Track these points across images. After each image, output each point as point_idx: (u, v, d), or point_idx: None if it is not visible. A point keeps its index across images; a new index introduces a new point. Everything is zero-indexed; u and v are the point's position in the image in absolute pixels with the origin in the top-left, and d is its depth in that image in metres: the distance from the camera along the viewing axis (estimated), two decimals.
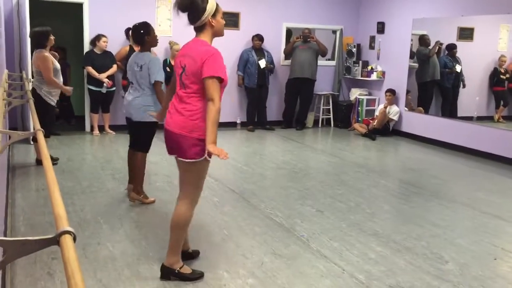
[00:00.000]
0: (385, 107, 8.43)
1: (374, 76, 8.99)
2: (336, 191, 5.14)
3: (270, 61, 8.53)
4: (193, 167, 2.91)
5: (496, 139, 6.89)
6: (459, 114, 8.10)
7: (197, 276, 3.09)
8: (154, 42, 4.29)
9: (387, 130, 8.47)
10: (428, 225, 4.23)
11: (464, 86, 8.14)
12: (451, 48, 8.10)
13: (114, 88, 7.64)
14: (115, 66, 7.56)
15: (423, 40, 8.32)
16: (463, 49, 8.07)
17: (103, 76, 7.34)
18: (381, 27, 8.94)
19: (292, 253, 3.54)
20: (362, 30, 9.41)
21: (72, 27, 8.25)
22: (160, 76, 4.18)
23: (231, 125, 8.83)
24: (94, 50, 7.46)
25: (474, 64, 8.11)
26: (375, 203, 4.82)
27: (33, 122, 2.78)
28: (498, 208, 4.78)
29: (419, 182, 5.67)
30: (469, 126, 7.46)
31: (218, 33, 2.94)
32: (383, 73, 8.96)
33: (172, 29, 8.13)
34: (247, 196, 4.90)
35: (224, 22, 2.96)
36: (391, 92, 8.45)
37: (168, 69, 7.92)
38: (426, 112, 8.35)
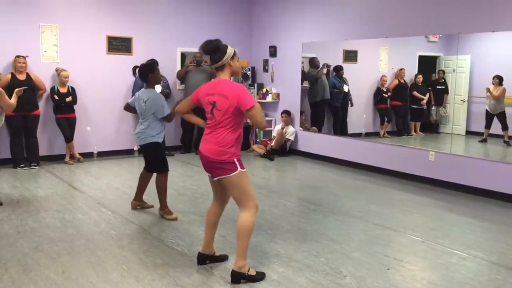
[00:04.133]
0: (282, 128, 8.69)
1: (269, 98, 9.25)
2: (238, 214, 5.13)
3: (166, 86, 8.43)
4: (231, 180, 3.41)
5: (382, 153, 7.39)
6: (349, 132, 8.59)
7: (261, 276, 3.54)
8: (157, 79, 4.98)
9: (284, 150, 8.73)
10: (326, 241, 4.38)
11: (352, 105, 8.67)
12: (338, 69, 8.61)
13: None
14: None
15: (312, 62, 8.77)
16: (349, 70, 8.61)
17: None
18: (273, 51, 9.26)
19: (195, 283, 3.46)
20: (256, 54, 9.68)
21: None
22: (166, 110, 4.81)
23: (128, 152, 8.55)
24: None
25: (360, 84, 8.68)
26: (276, 223, 4.90)
27: None
28: (388, 219, 5.09)
29: (316, 199, 5.88)
30: (359, 143, 7.93)
31: (235, 73, 3.58)
32: (278, 95, 9.26)
33: (59, 55, 7.73)
34: (147, 226, 4.73)
35: (239, 64, 3.61)
36: (286, 113, 8.75)
37: (56, 97, 7.52)
38: (320, 131, 8.75)
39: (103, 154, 8.32)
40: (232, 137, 3.41)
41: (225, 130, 3.39)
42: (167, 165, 5.07)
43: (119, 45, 8.28)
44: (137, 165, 7.73)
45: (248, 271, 3.48)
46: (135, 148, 8.54)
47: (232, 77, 3.61)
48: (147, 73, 4.85)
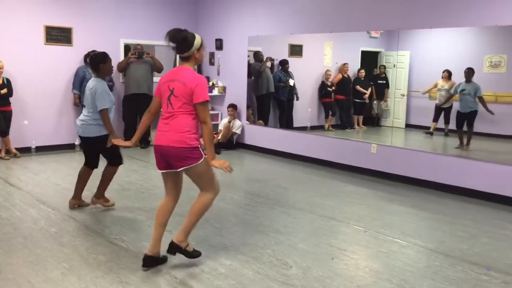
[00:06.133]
0: (228, 122, 8.68)
1: (215, 92, 9.19)
2: (185, 208, 5.05)
3: (109, 79, 8.18)
4: (198, 168, 3.39)
5: (327, 146, 7.54)
6: (295, 125, 8.70)
7: (196, 254, 3.60)
8: (108, 70, 4.82)
9: (231, 143, 8.73)
10: (273, 233, 4.42)
11: (297, 98, 8.77)
12: (284, 63, 8.69)
13: None
14: None
15: (257, 56, 8.80)
16: (295, 65, 8.70)
17: None
18: (219, 44, 9.21)
19: (141, 279, 3.40)
20: None
21: None
22: (106, 104, 4.58)
23: (69, 147, 8.25)
24: None
25: (305, 78, 8.79)
26: (223, 216, 4.89)
27: None
28: (332, 210, 5.21)
29: (263, 192, 5.92)
30: (304, 136, 8.05)
31: (198, 62, 3.53)
32: (224, 88, 9.23)
33: None
34: (90, 223, 4.59)
35: (204, 54, 3.50)
36: (233, 107, 8.73)
37: None
38: (266, 124, 8.80)
39: (42, 149, 7.98)
40: (194, 122, 3.36)
41: (186, 115, 3.34)
42: (122, 157, 4.95)
43: (58, 35, 7.94)
44: (78, 160, 7.45)
45: (186, 246, 3.54)
46: (77, 143, 8.25)
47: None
48: (99, 63, 4.71)
